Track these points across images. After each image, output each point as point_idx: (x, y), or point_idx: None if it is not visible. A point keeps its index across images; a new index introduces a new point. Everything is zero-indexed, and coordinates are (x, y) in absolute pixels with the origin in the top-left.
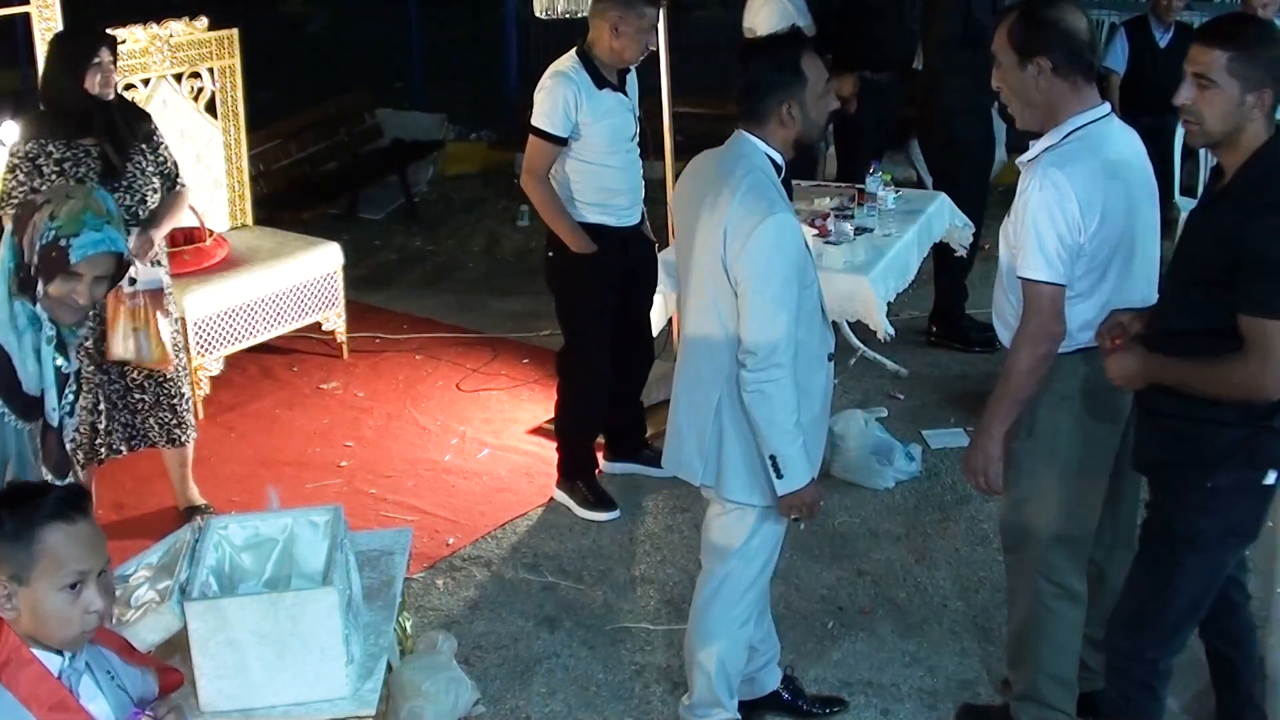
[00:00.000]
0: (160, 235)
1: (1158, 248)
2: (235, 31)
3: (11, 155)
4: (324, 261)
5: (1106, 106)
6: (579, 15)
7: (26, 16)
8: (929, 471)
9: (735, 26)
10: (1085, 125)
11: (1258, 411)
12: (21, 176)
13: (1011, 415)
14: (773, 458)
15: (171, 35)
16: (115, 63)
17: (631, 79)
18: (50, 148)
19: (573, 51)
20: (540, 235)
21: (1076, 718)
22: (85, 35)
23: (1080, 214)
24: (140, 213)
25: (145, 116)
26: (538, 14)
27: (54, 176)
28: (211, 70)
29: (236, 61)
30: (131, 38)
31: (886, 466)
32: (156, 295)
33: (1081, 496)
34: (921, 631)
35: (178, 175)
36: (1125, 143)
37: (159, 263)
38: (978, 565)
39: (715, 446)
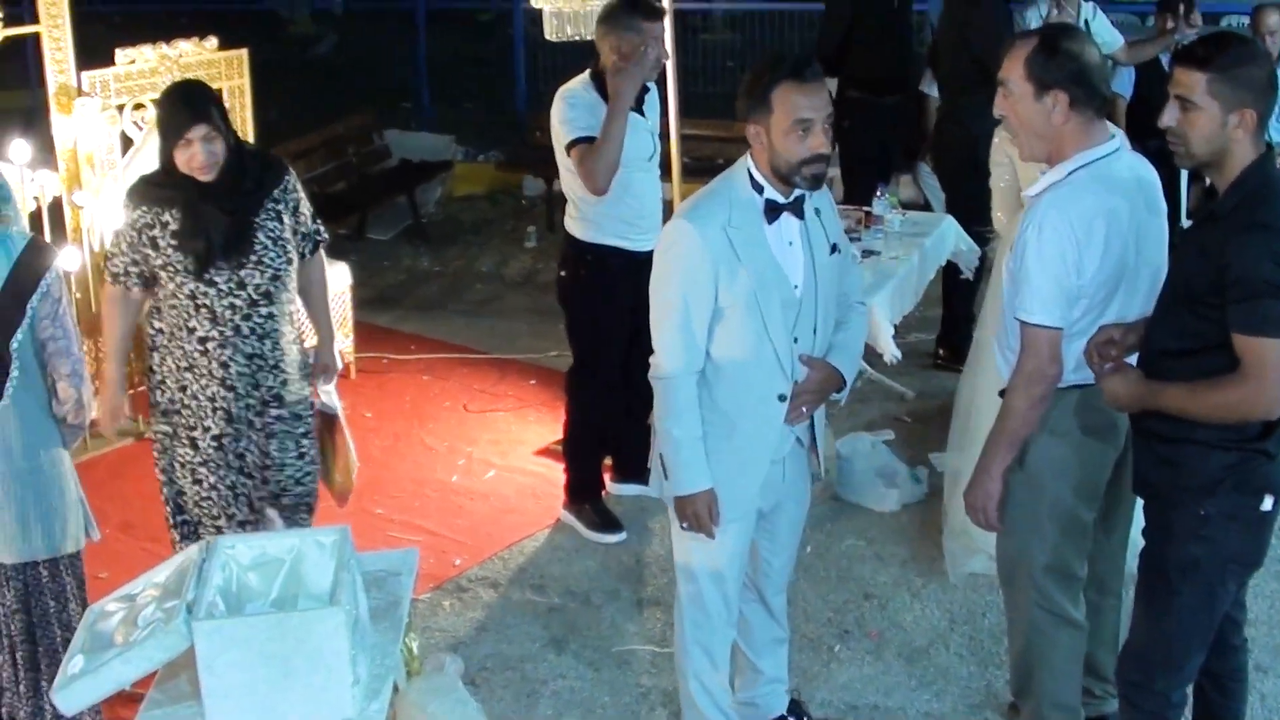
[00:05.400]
0: (333, 343)
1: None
2: (244, 52)
3: (125, 218)
4: (331, 281)
5: (1116, 142)
6: (588, 38)
7: (36, 36)
8: (935, 494)
9: (742, 48)
10: (1092, 162)
11: (1246, 434)
12: (125, 246)
13: (1010, 453)
14: (661, 456)
15: (181, 55)
16: (221, 133)
17: (652, 99)
18: (166, 216)
19: (585, 74)
20: (548, 257)
21: None
22: (180, 102)
23: (1079, 257)
24: (274, 291)
25: (276, 167)
26: (547, 36)
27: (170, 250)
28: (221, 90)
29: (246, 82)
30: (141, 57)
31: (892, 489)
32: (331, 421)
33: (1072, 527)
34: (928, 655)
35: (318, 231)
36: (1134, 174)
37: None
38: (984, 589)
39: (656, 441)
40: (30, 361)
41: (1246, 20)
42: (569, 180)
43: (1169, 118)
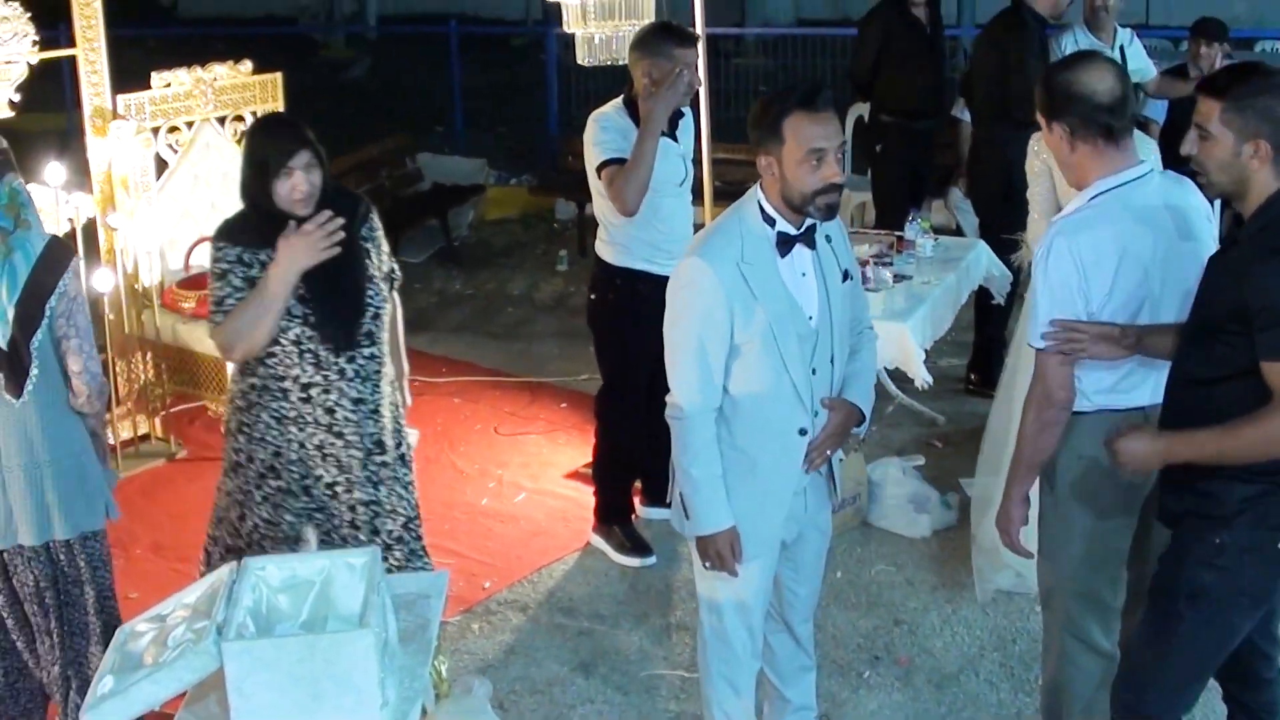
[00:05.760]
0: (406, 381)
1: None
2: (279, 75)
3: (220, 260)
4: None
5: (1144, 167)
6: (620, 62)
7: (72, 59)
8: (965, 519)
9: (775, 73)
10: (1112, 189)
11: (1268, 467)
12: (238, 282)
13: (1028, 478)
14: (681, 495)
15: (216, 79)
16: (320, 162)
17: (685, 124)
18: (263, 255)
19: (618, 99)
20: (579, 281)
21: None
22: (280, 129)
23: (1085, 284)
24: (375, 331)
25: (357, 203)
26: (580, 61)
27: None
28: (255, 113)
29: (279, 105)
30: (176, 81)
31: (923, 515)
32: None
33: (1102, 555)
34: (958, 682)
35: (394, 270)
36: (1164, 199)
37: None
38: (1015, 615)
39: (674, 473)
40: (50, 359)
41: (1279, 45)
42: (600, 204)
43: (1188, 146)
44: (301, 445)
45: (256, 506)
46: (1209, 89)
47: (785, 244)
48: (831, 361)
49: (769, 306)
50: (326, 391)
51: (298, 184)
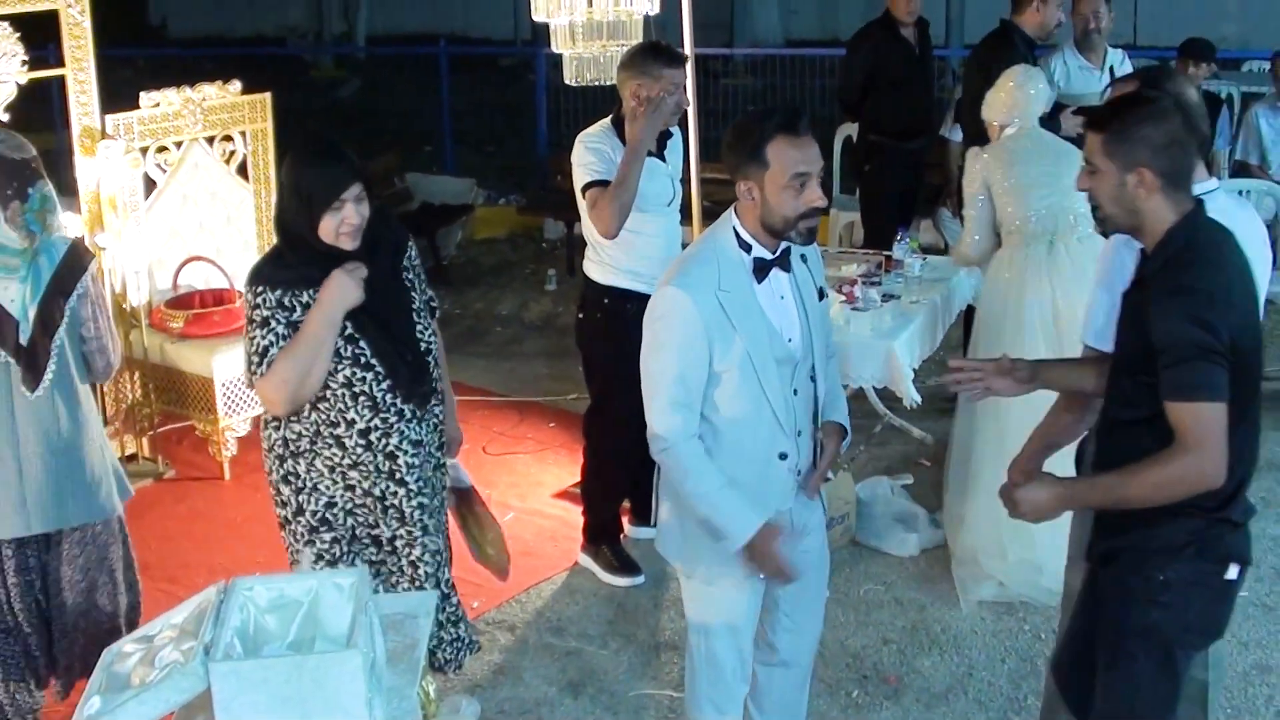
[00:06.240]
0: (455, 414)
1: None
2: (268, 96)
3: (259, 306)
4: None
5: (1212, 182)
6: (608, 82)
7: (61, 79)
8: None
9: (763, 93)
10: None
11: (1212, 502)
12: (281, 329)
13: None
14: (702, 522)
15: (205, 99)
16: (369, 192)
17: (674, 144)
18: (305, 297)
19: (605, 119)
20: (568, 300)
21: None
22: (328, 161)
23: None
24: (430, 366)
25: (397, 232)
26: (568, 81)
27: None
28: (244, 133)
29: (269, 125)
30: (165, 101)
31: (911, 534)
32: (466, 496)
33: None
34: (947, 701)
35: (432, 298)
36: (1228, 217)
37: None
38: (1004, 634)
39: (658, 495)
40: (66, 356)
41: (1267, 65)
42: (588, 224)
43: (1081, 181)
44: (365, 493)
45: (309, 565)
46: (1091, 122)
47: (761, 270)
48: (813, 379)
49: (747, 335)
50: (387, 435)
51: (348, 217)
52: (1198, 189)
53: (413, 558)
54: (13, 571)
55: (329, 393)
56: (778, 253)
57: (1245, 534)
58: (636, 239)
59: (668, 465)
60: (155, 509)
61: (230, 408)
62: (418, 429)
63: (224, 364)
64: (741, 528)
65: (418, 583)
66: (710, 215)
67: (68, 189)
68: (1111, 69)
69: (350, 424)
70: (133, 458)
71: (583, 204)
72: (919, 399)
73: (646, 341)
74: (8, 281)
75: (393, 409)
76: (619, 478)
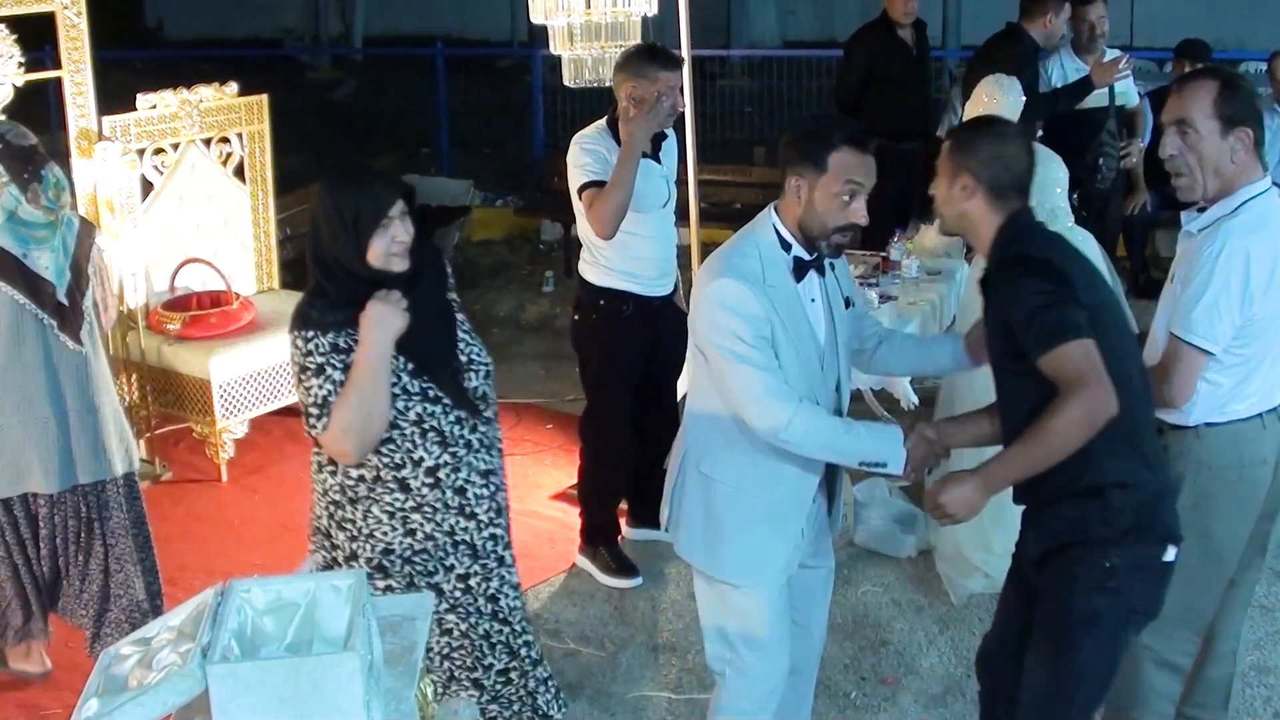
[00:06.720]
0: None
1: None
2: (265, 97)
3: (311, 353)
4: None
5: (1268, 180)
6: (605, 84)
7: (58, 80)
8: None
9: (759, 95)
10: (1253, 198)
11: (1150, 481)
12: (339, 375)
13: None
14: (862, 467)
15: (201, 100)
16: (412, 210)
17: (669, 145)
18: (357, 337)
19: (601, 121)
20: (565, 302)
21: None
22: (367, 180)
23: (1264, 283)
24: (488, 392)
25: (434, 253)
26: (566, 82)
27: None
28: (240, 135)
29: (265, 127)
30: (162, 102)
31: (909, 535)
32: None
33: (1214, 578)
34: (945, 703)
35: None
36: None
37: None
38: None
39: (678, 496)
40: (93, 314)
41: (1264, 66)
42: (584, 225)
43: (931, 188)
44: (428, 536)
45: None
46: (947, 135)
47: (800, 269)
48: (838, 389)
49: (791, 329)
50: (456, 470)
51: (397, 235)
52: (1253, 188)
53: (490, 592)
54: (43, 522)
55: (396, 433)
56: (814, 255)
57: (1174, 512)
58: (632, 240)
59: (796, 444)
60: (152, 511)
61: (227, 410)
62: (486, 458)
63: (221, 366)
64: (888, 443)
65: (500, 617)
66: (708, 217)
67: None
68: None
69: (418, 463)
70: None
71: (579, 205)
72: (916, 400)
73: (715, 340)
74: (40, 252)
75: (460, 441)
76: (616, 479)
